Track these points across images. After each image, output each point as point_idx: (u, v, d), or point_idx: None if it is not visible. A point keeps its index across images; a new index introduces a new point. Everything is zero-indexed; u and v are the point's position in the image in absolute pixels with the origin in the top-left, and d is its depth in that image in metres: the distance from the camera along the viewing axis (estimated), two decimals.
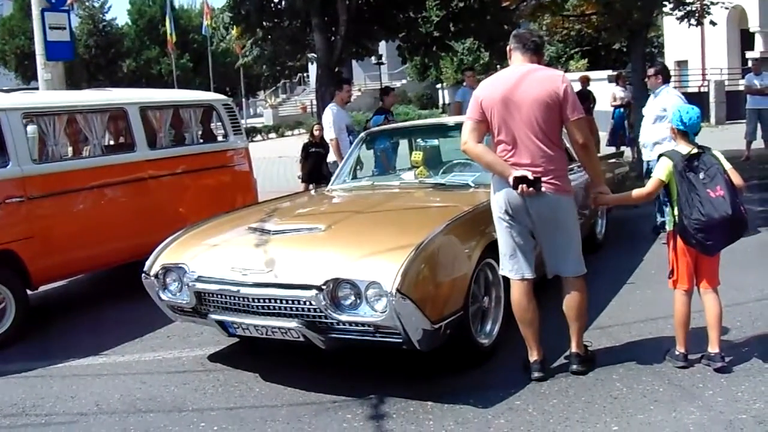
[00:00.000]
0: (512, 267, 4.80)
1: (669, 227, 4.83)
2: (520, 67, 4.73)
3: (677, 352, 4.82)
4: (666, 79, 8.53)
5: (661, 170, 4.71)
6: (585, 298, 4.85)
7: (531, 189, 4.53)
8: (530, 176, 4.52)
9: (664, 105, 7.89)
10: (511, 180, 4.55)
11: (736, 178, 4.61)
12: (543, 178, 4.56)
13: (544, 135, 4.57)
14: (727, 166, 4.63)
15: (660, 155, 4.83)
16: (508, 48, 4.87)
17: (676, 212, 4.67)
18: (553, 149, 4.62)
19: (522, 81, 4.62)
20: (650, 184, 4.79)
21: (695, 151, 4.64)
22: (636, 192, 5.01)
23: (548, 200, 4.61)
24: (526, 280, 4.79)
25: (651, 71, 8.58)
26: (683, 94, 9.69)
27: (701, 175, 4.55)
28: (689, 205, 4.53)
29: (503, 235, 4.79)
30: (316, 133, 12.34)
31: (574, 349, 4.86)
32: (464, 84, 13.27)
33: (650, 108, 8.43)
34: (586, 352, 4.94)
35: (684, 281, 4.76)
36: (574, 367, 4.81)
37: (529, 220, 4.69)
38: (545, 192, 4.57)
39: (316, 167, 12.13)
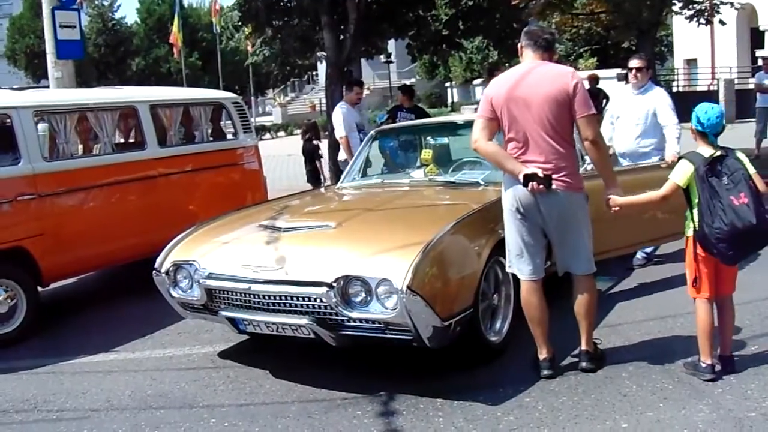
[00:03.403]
0: (520, 266, 4.79)
1: (688, 233, 4.56)
2: (530, 64, 4.70)
3: (704, 365, 4.55)
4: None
5: (679, 174, 4.47)
6: (594, 296, 4.83)
7: (541, 186, 4.50)
8: (540, 174, 4.49)
9: (655, 105, 7.06)
10: (521, 177, 4.53)
11: (761, 184, 4.34)
12: (554, 176, 4.52)
13: (554, 132, 4.54)
14: (752, 170, 4.37)
15: (680, 157, 4.59)
16: (519, 45, 4.83)
17: (696, 218, 4.43)
18: (564, 146, 4.59)
19: (532, 78, 4.59)
20: (665, 188, 4.54)
21: (718, 153, 4.38)
22: (649, 195, 4.71)
23: (559, 198, 4.58)
24: (534, 281, 4.78)
25: (641, 62, 7.18)
26: (693, 93, 9.35)
27: (724, 180, 4.30)
28: (711, 213, 4.29)
29: (512, 233, 4.78)
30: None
31: (584, 346, 4.83)
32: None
33: (637, 110, 7.19)
34: (596, 350, 4.92)
35: (706, 289, 4.53)
36: (584, 364, 4.79)
37: (540, 217, 4.67)
38: (556, 189, 4.55)
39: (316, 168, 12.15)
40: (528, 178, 4.51)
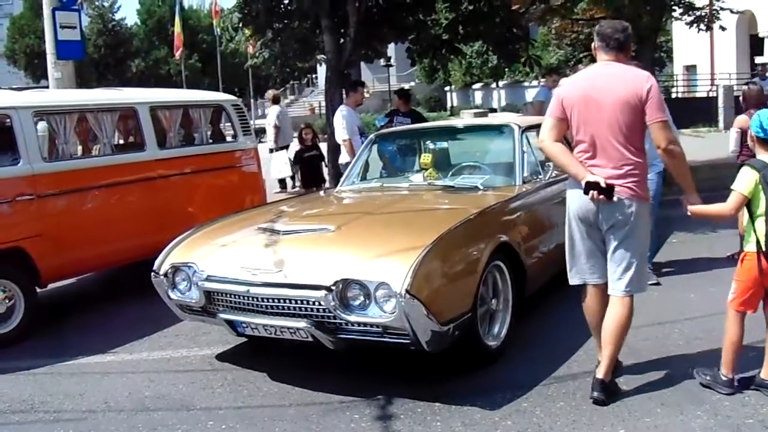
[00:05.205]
0: (573, 272, 4.67)
1: (749, 248, 4.30)
2: (604, 66, 4.57)
3: (724, 378, 4.44)
4: None
5: (744, 184, 4.22)
6: (629, 323, 4.53)
7: (602, 197, 4.33)
8: (603, 183, 4.32)
9: None
10: (583, 184, 4.39)
11: None
12: (620, 182, 4.35)
13: (625, 138, 4.37)
14: None
15: (741, 165, 4.35)
16: (593, 46, 4.71)
17: (764, 230, 4.18)
18: (634, 153, 4.40)
19: (605, 80, 4.47)
20: (732, 201, 4.26)
21: None
22: (717, 208, 4.40)
23: (622, 206, 4.39)
24: (595, 285, 4.63)
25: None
26: (692, 99, 9.26)
27: None
28: None
29: (569, 238, 4.64)
30: (306, 137, 12.24)
31: (600, 375, 4.46)
32: (542, 84, 13.57)
33: None
34: (612, 381, 4.53)
35: (754, 305, 4.36)
36: (596, 394, 4.42)
37: (601, 224, 4.49)
38: (621, 198, 4.35)
39: (312, 172, 12.05)
40: (589, 186, 4.36)
